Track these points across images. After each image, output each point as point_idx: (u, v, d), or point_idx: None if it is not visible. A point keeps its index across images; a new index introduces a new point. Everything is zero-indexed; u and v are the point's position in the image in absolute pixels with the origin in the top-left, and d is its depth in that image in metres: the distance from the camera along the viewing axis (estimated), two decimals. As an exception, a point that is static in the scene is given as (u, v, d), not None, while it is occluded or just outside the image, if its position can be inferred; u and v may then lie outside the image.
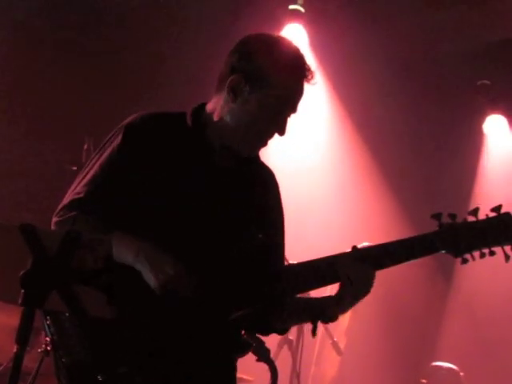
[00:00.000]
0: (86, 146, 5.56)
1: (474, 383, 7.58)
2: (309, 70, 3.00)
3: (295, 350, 6.20)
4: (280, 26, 7.64)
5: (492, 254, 2.88)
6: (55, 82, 7.28)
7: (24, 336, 2.32)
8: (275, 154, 3.10)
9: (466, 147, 8.56)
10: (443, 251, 2.90)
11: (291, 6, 7.60)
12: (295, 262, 2.96)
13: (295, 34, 7.60)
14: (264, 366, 3.03)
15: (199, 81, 7.43)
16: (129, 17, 7.62)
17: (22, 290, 2.30)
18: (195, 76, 7.52)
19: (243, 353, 2.95)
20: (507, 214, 2.90)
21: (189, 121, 3.06)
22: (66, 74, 7.32)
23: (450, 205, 8.28)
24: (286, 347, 6.18)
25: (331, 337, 6.60)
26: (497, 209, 2.90)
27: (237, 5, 7.35)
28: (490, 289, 7.41)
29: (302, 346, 6.13)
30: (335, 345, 6.64)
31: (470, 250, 2.89)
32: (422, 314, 8.16)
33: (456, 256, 2.91)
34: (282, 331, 3.19)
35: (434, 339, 8.30)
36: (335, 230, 8.14)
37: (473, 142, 8.65)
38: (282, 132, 3.01)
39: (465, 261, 2.90)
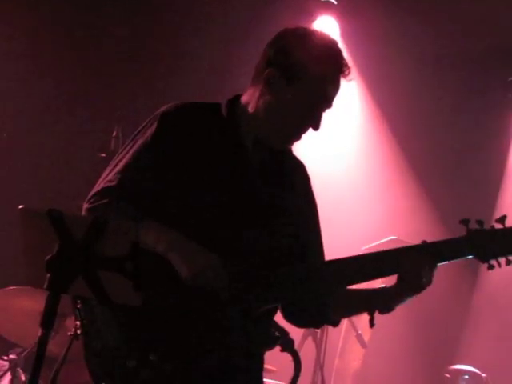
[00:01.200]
0: (114, 133, 5.59)
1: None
2: (346, 65, 2.98)
3: (319, 341, 6.19)
4: (312, 18, 7.62)
5: None
6: (85, 69, 7.31)
7: (48, 320, 2.33)
8: (306, 146, 3.09)
9: (495, 144, 8.50)
10: (471, 256, 2.94)
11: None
12: (348, 256, 2.97)
13: (327, 26, 7.58)
14: (288, 357, 3.02)
15: (224, 73, 7.49)
16: (155, 3, 7.64)
17: (48, 275, 2.31)
18: (221, 68, 7.54)
19: (270, 346, 2.95)
20: None
21: (224, 112, 3.05)
22: (95, 61, 7.35)
23: (476, 202, 8.32)
24: (310, 338, 6.16)
25: (356, 329, 6.57)
26: None
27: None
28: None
29: (327, 337, 6.13)
30: (360, 337, 6.61)
31: (496, 257, 2.93)
32: (447, 314, 8.14)
33: (483, 261, 2.94)
34: (335, 323, 3.19)
35: (457, 340, 8.27)
36: (362, 224, 8.14)
37: (501, 138, 8.59)
38: (316, 127, 2.99)
39: (491, 267, 2.94)
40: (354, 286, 3.03)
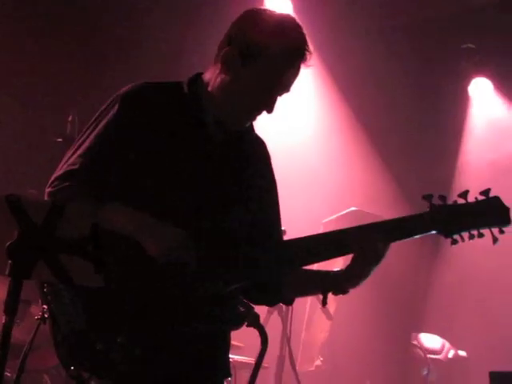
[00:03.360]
0: (70, 118, 5.53)
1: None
2: (307, 52, 2.94)
3: (285, 315, 6.22)
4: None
5: (480, 235, 2.95)
6: (38, 54, 7.24)
7: (12, 306, 2.32)
8: (262, 121, 3.08)
9: (452, 109, 8.60)
10: (434, 232, 2.96)
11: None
12: (304, 236, 2.99)
13: (279, 3, 7.57)
14: (254, 332, 3.04)
15: (181, 53, 7.47)
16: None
17: (9, 261, 2.30)
18: (177, 49, 7.52)
19: (237, 326, 2.96)
20: (496, 197, 2.99)
21: (185, 89, 3.03)
22: (49, 46, 7.28)
23: (436, 171, 8.37)
24: (275, 313, 6.20)
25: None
26: (486, 192, 2.98)
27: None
28: (480, 261, 7.46)
29: (292, 311, 6.16)
30: (325, 310, 6.67)
31: (459, 231, 2.95)
32: (410, 283, 8.25)
33: (446, 236, 2.97)
34: (289, 301, 3.21)
35: (422, 309, 8.39)
36: (322, 197, 8.20)
37: (458, 104, 8.69)
38: (270, 110, 2.97)
39: (454, 241, 2.97)
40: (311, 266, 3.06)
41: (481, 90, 8.67)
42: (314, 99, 8.57)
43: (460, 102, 8.73)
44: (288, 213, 3.36)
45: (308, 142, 8.53)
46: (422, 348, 7.55)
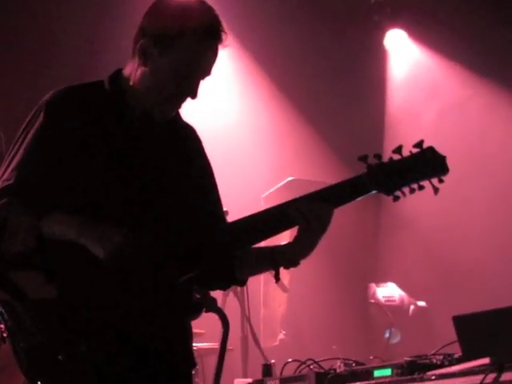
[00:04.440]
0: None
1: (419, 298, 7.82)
2: (221, 32, 2.95)
3: (241, 295, 6.28)
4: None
5: (421, 188, 2.96)
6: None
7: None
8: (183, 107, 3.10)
9: (371, 65, 8.68)
10: (374, 191, 2.98)
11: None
12: (245, 216, 3.01)
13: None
14: (213, 316, 3.06)
15: (97, 51, 7.43)
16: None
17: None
18: (92, 47, 7.47)
19: (196, 314, 2.98)
20: (430, 148, 2.99)
21: (107, 87, 3.04)
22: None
23: (365, 125, 8.46)
24: (231, 294, 6.25)
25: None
26: (419, 144, 2.98)
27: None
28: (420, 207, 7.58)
29: (247, 289, 6.22)
30: (280, 283, 6.72)
31: (399, 187, 2.96)
32: (358, 240, 8.35)
33: (388, 194, 2.97)
34: (242, 282, 3.23)
35: (373, 263, 8.50)
36: (257, 172, 8.25)
37: (377, 59, 8.77)
38: (193, 95, 2.98)
39: (396, 198, 2.98)
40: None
41: (396, 41, 8.77)
42: (234, 78, 8.58)
43: (378, 57, 8.81)
44: (227, 193, 3.39)
45: (236, 122, 8.56)
46: (381, 306, 7.62)
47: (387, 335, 7.41)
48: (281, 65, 8.43)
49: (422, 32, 8.48)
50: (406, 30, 8.68)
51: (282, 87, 8.58)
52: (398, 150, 2.97)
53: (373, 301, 7.72)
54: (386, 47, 8.85)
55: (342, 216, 3.07)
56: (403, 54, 8.82)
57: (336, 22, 8.32)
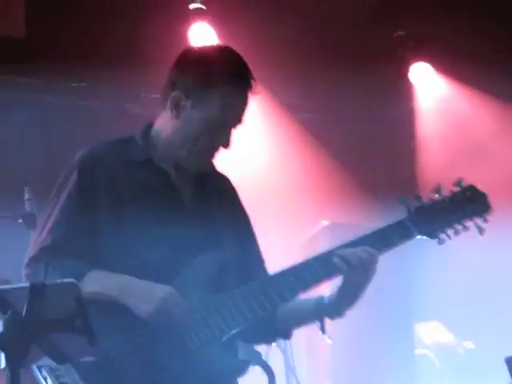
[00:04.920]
0: (26, 196, 5.50)
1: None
2: (251, 80, 3.00)
3: (284, 346, 6.23)
4: (187, 26, 7.66)
5: (465, 229, 2.99)
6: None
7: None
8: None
9: (397, 99, 8.66)
10: (418, 236, 2.99)
11: (191, 6, 7.63)
12: (286, 267, 3.00)
13: (203, 32, 7.64)
14: (257, 370, 3.05)
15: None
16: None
17: (2, 353, 2.32)
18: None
19: (244, 371, 2.96)
20: (470, 187, 3.01)
21: (139, 142, 3.07)
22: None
23: (396, 162, 8.39)
24: (273, 345, 6.20)
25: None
26: (459, 183, 2.99)
27: (138, 12, 7.34)
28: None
29: (291, 340, 6.16)
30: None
31: (443, 229, 2.99)
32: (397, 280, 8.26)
33: (432, 238, 3.00)
34: (287, 335, 3.21)
35: (415, 303, 8.40)
36: (292, 219, 8.23)
37: (403, 93, 8.76)
38: (227, 145, 3.03)
39: (441, 241, 3.00)
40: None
41: (421, 75, 8.77)
42: (262, 123, 8.61)
43: (404, 91, 8.82)
44: (262, 242, 3.39)
45: (265, 168, 8.57)
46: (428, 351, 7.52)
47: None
48: (306, 106, 8.43)
49: (447, 64, 8.47)
50: (430, 63, 8.67)
51: (311, 130, 8.58)
52: (438, 190, 2.99)
53: (419, 348, 7.64)
54: (410, 80, 8.85)
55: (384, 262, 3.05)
56: (429, 87, 8.80)
57: (358, 60, 8.32)
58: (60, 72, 7.36)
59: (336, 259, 2.93)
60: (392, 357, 7.82)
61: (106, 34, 7.34)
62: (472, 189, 3.02)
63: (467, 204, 3.00)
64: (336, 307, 3.01)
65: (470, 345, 7.79)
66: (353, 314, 3.06)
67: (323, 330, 3.03)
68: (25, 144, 7.39)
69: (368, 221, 2.89)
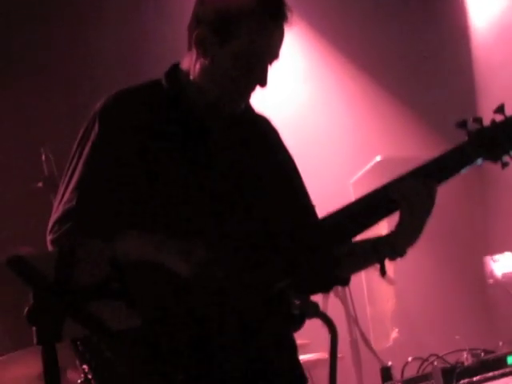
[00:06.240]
0: (43, 157, 5.50)
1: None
2: (285, 9, 2.89)
3: (343, 295, 6.21)
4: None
5: None
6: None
7: (53, 375, 2.31)
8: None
9: (449, 20, 8.55)
10: (480, 160, 2.93)
11: None
12: (339, 207, 2.95)
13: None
14: (316, 323, 3.01)
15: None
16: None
17: (34, 328, 2.29)
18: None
19: (299, 324, 2.92)
20: None
21: (165, 86, 3.00)
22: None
23: (451, 83, 8.30)
24: (331, 295, 6.18)
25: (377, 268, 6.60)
26: None
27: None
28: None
29: (350, 287, 6.14)
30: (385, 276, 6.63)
31: (507, 152, 2.92)
32: (465, 212, 8.20)
33: (495, 161, 2.93)
34: (345, 282, 3.17)
35: (484, 234, 8.33)
36: (344, 156, 8.20)
37: (453, 11, 8.64)
38: (263, 83, 2.93)
39: (505, 164, 2.93)
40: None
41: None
42: (301, 59, 8.53)
43: (456, 8, 8.67)
44: (312, 184, 3.34)
45: (309, 106, 8.51)
46: (502, 285, 7.46)
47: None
48: (349, 35, 8.34)
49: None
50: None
51: (354, 60, 8.49)
52: (501, 109, 2.92)
53: (491, 280, 7.57)
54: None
55: (444, 194, 3.00)
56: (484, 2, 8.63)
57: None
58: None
59: (394, 194, 2.87)
60: (462, 293, 7.80)
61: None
62: None
63: None
64: (396, 246, 2.95)
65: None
66: (414, 252, 3.01)
67: (384, 272, 2.97)
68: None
69: (426, 153, 2.86)
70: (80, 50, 7.61)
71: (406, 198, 2.86)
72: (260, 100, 3.09)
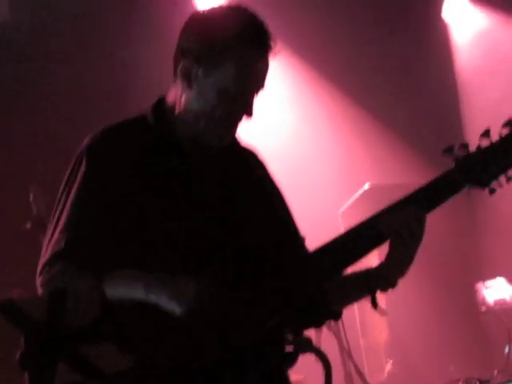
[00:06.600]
0: (31, 197, 5.49)
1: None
2: (269, 40, 2.90)
3: (336, 328, 6.21)
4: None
5: None
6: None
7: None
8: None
9: (433, 39, 8.62)
10: (467, 187, 2.94)
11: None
12: (329, 240, 2.96)
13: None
14: (309, 358, 3.02)
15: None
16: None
17: (26, 375, 2.29)
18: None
19: (293, 360, 2.92)
20: None
21: (151, 121, 3.01)
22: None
23: (437, 109, 8.32)
24: (324, 329, 6.18)
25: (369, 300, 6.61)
26: (509, 124, 2.94)
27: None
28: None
29: (342, 320, 6.15)
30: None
31: (494, 177, 2.94)
32: (454, 238, 8.22)
33: (483, 187, 2.95)
34: (337, 315, 3.17)
35: (475, 259, 8.36)
36: (331, 185, 8.20)
37: (438, 32, 8.71)
38: (249, 114, 2.94)
39: (492, 191, 2.95)
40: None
41: (456, 9, 8.69)
42: (285, 86, 8.56)
43: (438, 30, 8.76)
44: (301, 214, 3.36)
45: (295, 135, 8.53)
46: (494, 312, 7.47)
47: (507, 350, 7.23)
48: (333, 60, 8.38)
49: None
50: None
51: (339, 85, 8.53)
52: (486, 134, 2.93)
53: (484, 308, 7.58)
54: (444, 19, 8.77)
55: (432, 220, 3.02)
56: (465, 22, 8.72)
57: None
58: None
59: (380, 228, 2.89)
60: (454, 323, 7.81)
61: None
62: None
63: None
64: (387, 277, 2.96)
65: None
66: (405, 282, 3.02)
67: (375, 304, 2.99)
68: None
69: (413, 179, 2.89)
70: (69, 86, 7.62)
71: (395, 231, 2.87)
72: (246, 130, 3.09)
